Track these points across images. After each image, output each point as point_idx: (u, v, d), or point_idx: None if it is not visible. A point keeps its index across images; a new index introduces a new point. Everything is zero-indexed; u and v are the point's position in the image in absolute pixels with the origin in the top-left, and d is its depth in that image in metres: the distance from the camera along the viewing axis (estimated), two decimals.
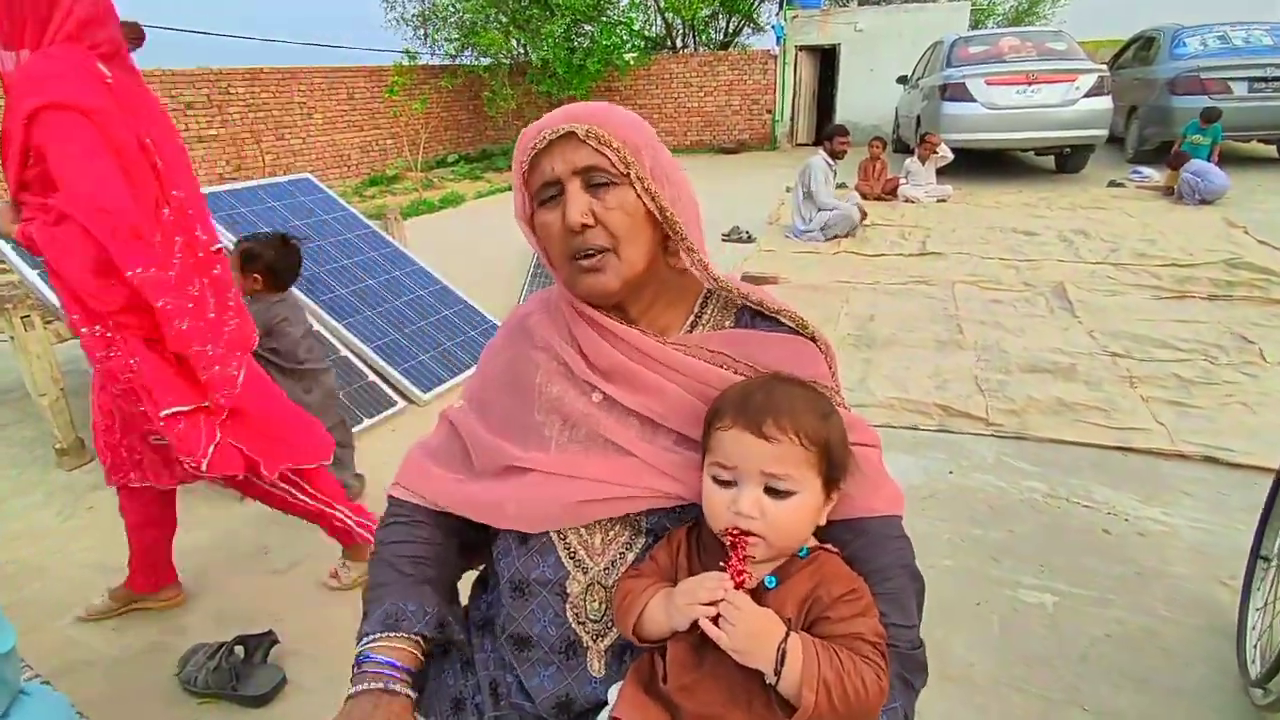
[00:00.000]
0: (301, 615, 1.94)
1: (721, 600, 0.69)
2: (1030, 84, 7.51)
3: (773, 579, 0.73)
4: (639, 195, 0.78)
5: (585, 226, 0.77)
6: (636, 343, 0.83)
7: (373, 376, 3.18)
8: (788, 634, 0.68)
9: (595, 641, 0.82)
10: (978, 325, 3.77)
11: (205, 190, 3.61)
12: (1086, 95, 7.42)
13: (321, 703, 1.65)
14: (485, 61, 12.70)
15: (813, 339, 0.87)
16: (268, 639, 1.75)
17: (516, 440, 0.88)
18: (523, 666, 0.85)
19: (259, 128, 9.96)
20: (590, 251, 0.79)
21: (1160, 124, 8.02)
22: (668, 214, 0.80)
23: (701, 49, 15.55)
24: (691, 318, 0.89)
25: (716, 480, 0.74)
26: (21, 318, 2.57)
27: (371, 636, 0.85)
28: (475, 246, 6.23)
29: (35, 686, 0.86)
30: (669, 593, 0.75)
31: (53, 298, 2.70)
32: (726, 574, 0.71)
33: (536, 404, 0.88)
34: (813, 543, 0.76)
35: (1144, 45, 9.15)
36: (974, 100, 7.66)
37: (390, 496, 0.98)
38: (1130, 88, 8.74)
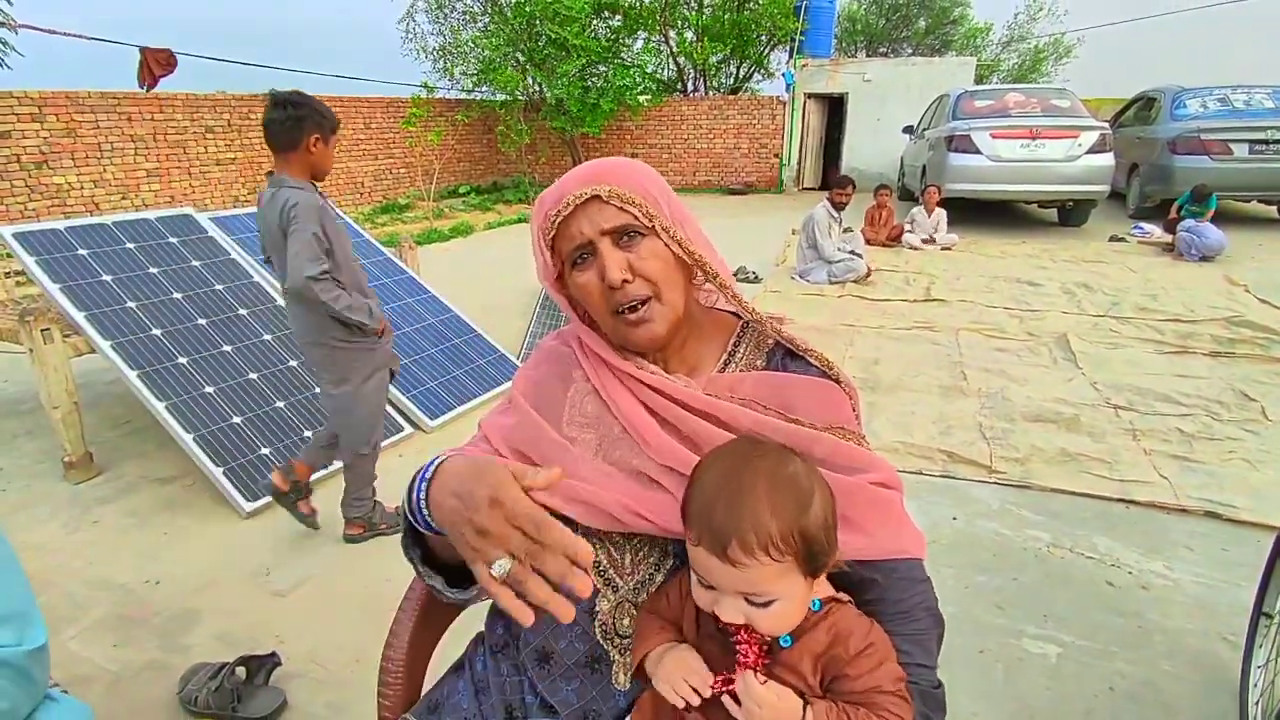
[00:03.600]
0: (303, 638, 1.93)
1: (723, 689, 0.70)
2: (1034, 138, 7.67)
3: (788, 638, 0.72)
4: (666, 243, 0.82)
5: (625, 282, 0.80)
6: (662, 388, 0.85)
7: None
8: (806, 705, 0.69)
9: (622, 655, 0.83)
10: (982, 373, 3.81)
11: (222, 214, 3.69)
12: (1089, 151, 7.58)
13: None
14: (501, 97, 12.99)
15: (838, 381, 0.89)
16: (270, 661, 1.75)
17: (549, 453, 0.88)
18: (544, 682, 0.86)
19: None
20: (634, 304, 0.82)
21: (1161, 182, 8.17)
22: (696, 255, 0.84)
23: (712, 93, 15.91)
24: (725, 355, 0.91)
25: (700, 582, 0.72)
26: (41, 330, 2.61)
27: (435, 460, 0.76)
28: (484, 276, 6.31)
29: (60, 694, 0.87)
30: (660, 658, 0.76)
31: (74, 311, 2.75)
32: (710, 680, 0.71)
33: (566, 416, 0.90)
34: (825, 592, 0.75)
35: (1145, 105, 9.37)
36: (979, 152, 7.81)
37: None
38: (1132, 146, 8.92)
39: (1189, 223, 6.58)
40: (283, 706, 1.69)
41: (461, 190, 13.00)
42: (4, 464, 2.95)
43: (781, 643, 0.72)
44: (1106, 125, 7.99)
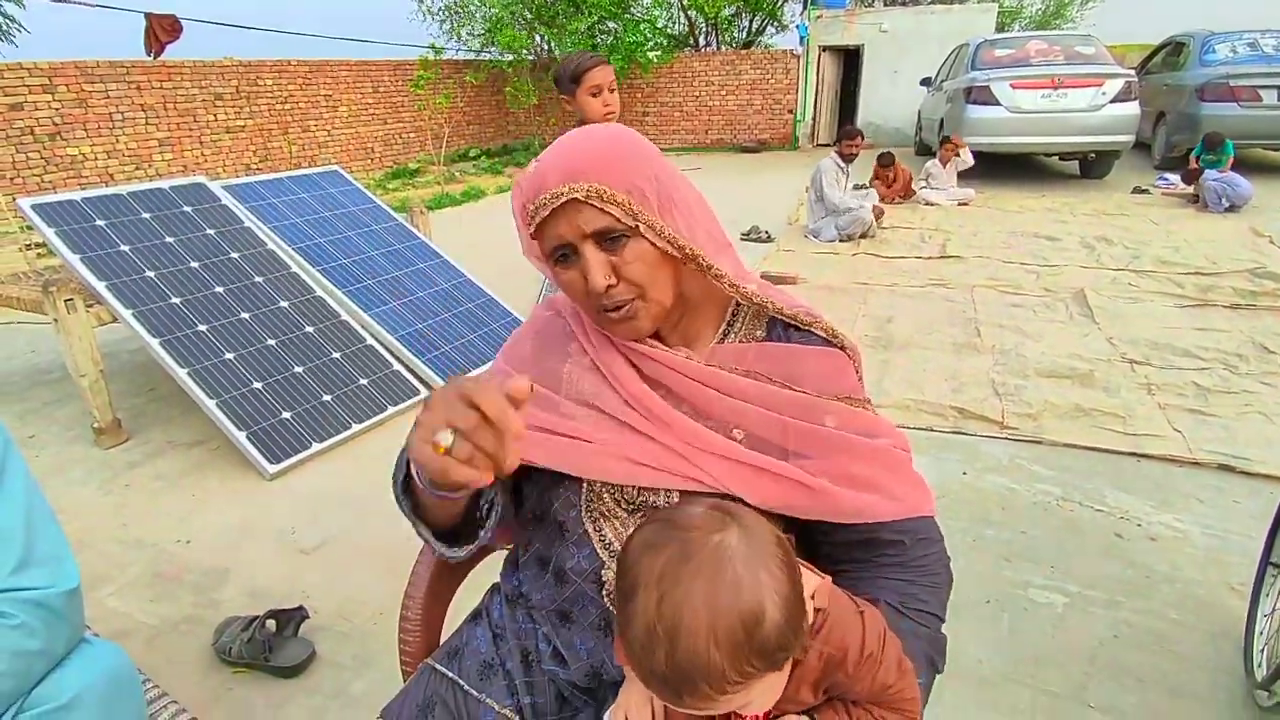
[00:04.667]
0: (329, 593, 2.01)
1: None
2: (1056, 88, 7.45)
3: None
4: (653, 242, 0.78)
5: (609, 286, 0.78)
6: (663, 360, 0.85)
7: (397, 365, 3.26)
8: None
9: None
10: (996, 329, 3.78)
11: (235, 182, 3.71)
12: (1113, 100, 7.36)
13: (350, 677, 1.73)
14: (509, 57, 12.78)
15: (841, 348, 0.88)
16: (298, 614, 1.82)
17: (542, 405, 0.89)
18: (562, 636, 0.89)
19: (286, 120, 10.11)
20: (620, 305, 0.80)
21: (1188, 130, 7.93)
22: (686, 249, 0.79)
23: (724, 47, 15.54)
24: (723, 326, 0.90)
25: None
26: (65, 300, 2.66)
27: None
28: (496, 241, 6.30)
29: (94, 638, 0.92)
30: (625, 686, 0.77)
31: (95, 282, 2.80)
32: None
33: (563, 392, 0.90)
34: (811, 603, 0.67)
35: (1173, 51, 9.04)
36: (998, 104, 7.61)
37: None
38: (1159, 93, 8.64)
39: (1212, 173, 6.40)
40: (312, 657, 1.77)
41: (471, 154, 12.90)
42: (37, 431, 3.05)
43: None
44: (1132, 73, 7.74)
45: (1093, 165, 8.23)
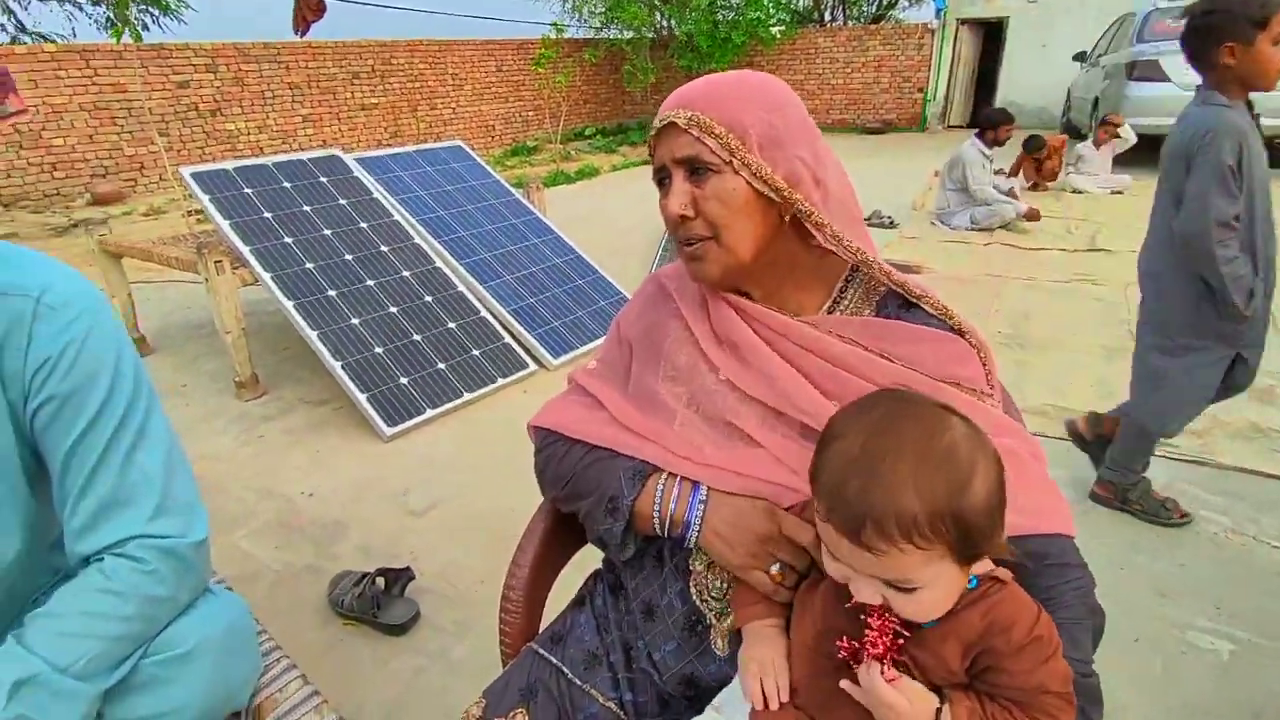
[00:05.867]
0: (435, 556, 2.06)
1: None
2: None
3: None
4: (747, 181, 0.75)
5: (684, 218, 0.77)
6: (764, 319, 0.81)
7: (508, 339, 3.32)
8: (943, 702, 0.61)
9: (719, 620, 0.81)
10: None
11: (367, 155, 3.88)
12: None
13: (451, 641, 1.76)
14: (628, 35, 12.75)
15: (961, 333, 0.79)
16: (406, 574, 1.88)
17: (643, 406, 0.88)
18: (648, 636, 0.86)
19: (415, 97, 10.58)
20: (691, 240, 0.79)
21: None
22: (785, 193, 0.75)
23: (851, 22, 14.82)
24: (829, 302, 0.83)
25: (830, 554, 0.63)
26: (215, 262, 2.87)
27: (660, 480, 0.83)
28: (608, 219, 6.32)
29: (218, 588, 0.95)
30: (751, 641, 0.74)
31: (241, 246, 3.01)
32: (785, 692, 0.69)
33: (662, 369, 0.87)
34: (983, 568, 0.63)
35: None
36: (1167, 80, 6.80)
37: (538, 427, 0.97)
38: None
39: None
40: (416, 617, 1.82)
41: (587, 132, 13.03)
42: (188, 381, 3.33)
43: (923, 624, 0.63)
44: None
45: None
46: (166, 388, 3.26)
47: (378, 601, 1.80)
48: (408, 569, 1.89)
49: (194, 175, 3.21)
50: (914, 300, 0.80)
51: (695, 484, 0.80)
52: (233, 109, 8.52)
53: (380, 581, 1.84)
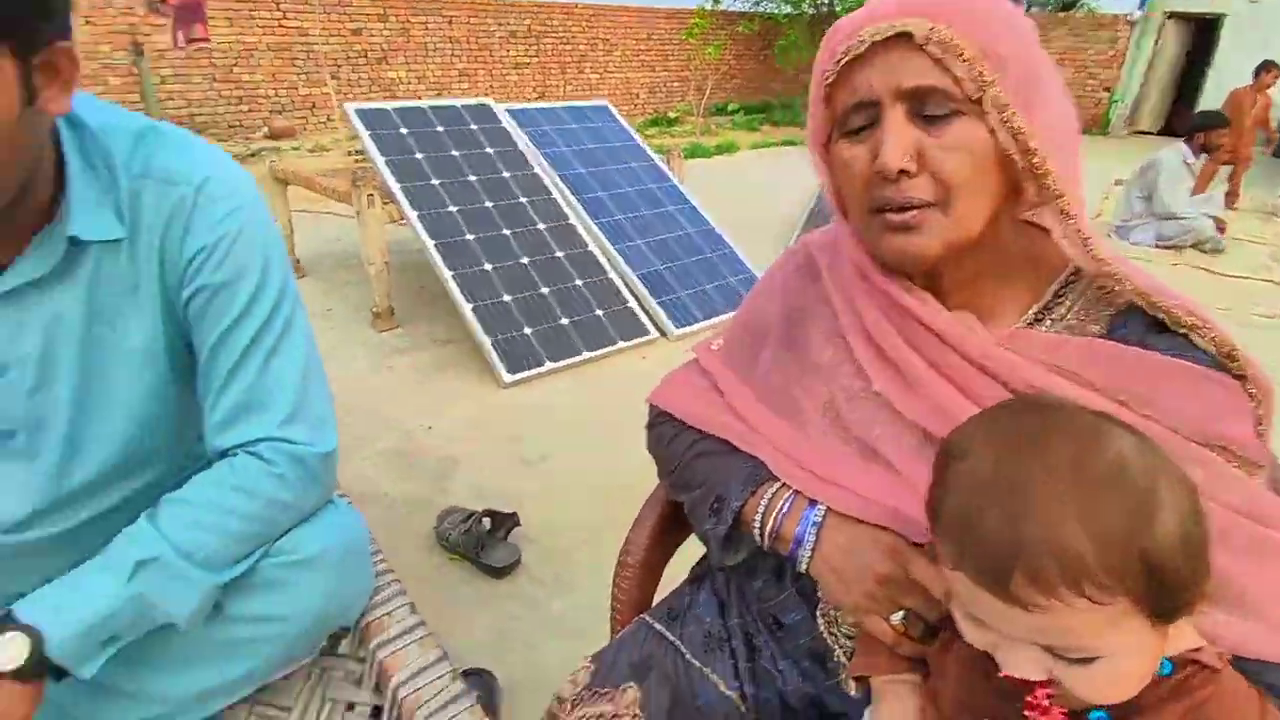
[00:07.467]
0: (541, 506, 2.05)
1: None
2: None
3: (1102, 715, 0.47)
4: (993, 129, 0.55)
5: (904, 174, 0.56)
6: (946, 330, 0.62)
7: (632, 303, 3.27)
8: None
9: (849, 659, 0.69)
10: None
11: (516, 106, 3.92)
12: None
13: (549, 594, 1.74)
14: (786, 9, 12.30)
15: (1241, 377, 0.57)
16: (511, 520, 1.88)
17: (769, 400, 0.75)
18: (773, 644, 0.77)
19: (565, 59, 10.72)
20: (908, 205, 0.58)
21: None
22: (1034, 158, 0.55)
23: (1036, 8, 13.55)
24: (1039, 307, 0.64)
25: (968, 615, 0.49)
26: (367, 195, 2.99)
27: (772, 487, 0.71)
28: (742, 197, 6.13)
29: (340, 500, 0.93)
30: (879, 697, 0.63)
31: (393, 182, 3.12)
32: None
33: (800, 363, 0.73)
34: (1184, 644, 0.47)
35: None
36: None
37: (652, 404, 0.89)
38: None
39: None
40: (517, 563, 1.81)
41: (730, 108, 12.75)
42: (333, 306, 3.53)
43: (1091, 718, 0.47)
44: None
45: None
46: (312, 310, 3.46)
47: (482, 542, 1.80)
48: (514, 514, 1.89)
49: (358, 111, 3.35)
50: (1183, 328, 0.57)
51: (811, 500, 0.68)
52: (397, 58, 8.95)
53: (486, 522, 1.85)
